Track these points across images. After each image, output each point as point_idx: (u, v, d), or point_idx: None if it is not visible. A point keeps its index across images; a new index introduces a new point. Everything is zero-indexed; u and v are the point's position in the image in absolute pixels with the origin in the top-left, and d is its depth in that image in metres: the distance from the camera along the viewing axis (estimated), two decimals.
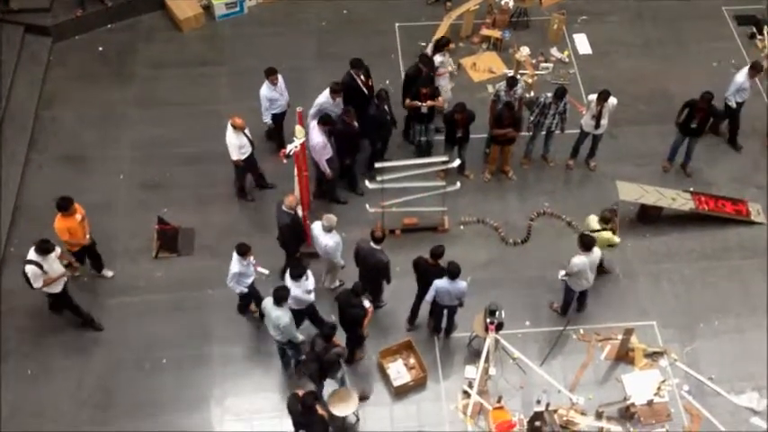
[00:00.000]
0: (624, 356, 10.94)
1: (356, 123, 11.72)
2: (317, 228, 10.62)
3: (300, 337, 10.09)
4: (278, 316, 9.55)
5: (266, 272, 10.75)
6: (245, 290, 10.50)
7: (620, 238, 10.97)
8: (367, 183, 11.58)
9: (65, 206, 10.45)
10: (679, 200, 12.16)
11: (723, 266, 11.43)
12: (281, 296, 9.50)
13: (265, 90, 12.04)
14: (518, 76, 13.25)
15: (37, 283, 10.12)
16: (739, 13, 15.36)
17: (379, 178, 11.31)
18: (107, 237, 11.93)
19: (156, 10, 14.96)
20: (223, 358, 10.91)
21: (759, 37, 14.89)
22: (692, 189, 12.51)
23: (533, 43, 14.61)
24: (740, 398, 10.69)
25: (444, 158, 11.55)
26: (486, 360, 10.29)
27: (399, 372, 10.66)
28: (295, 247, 11.03)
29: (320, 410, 9.21)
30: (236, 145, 11.50)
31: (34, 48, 14.00)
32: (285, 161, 10.97)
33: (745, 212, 12.27)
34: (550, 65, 14.41)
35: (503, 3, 14.90)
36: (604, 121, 12.24)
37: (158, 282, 11.54)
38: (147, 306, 11.28)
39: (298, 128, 10.96)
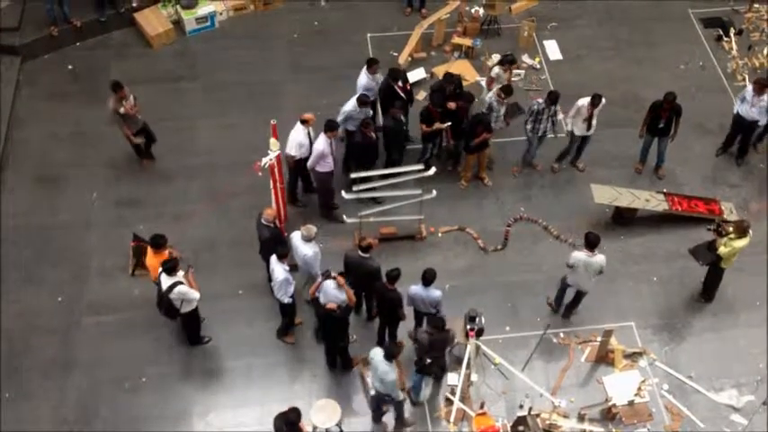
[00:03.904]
0: (604, 358, 11.00)
1: (374, 135, 11.79)
2: (296, 237, 10.60)
3: (401, 396, 10.00)
4: (386, 371, 9.43)
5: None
6: (291, 300, 10.38)
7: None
8: (343, 193, 11.58)
9: (160, 243, 10.33)
10: (653, 201, 12.29)
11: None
12: (392, 352, 9.38)
13: (364, 79, 12.24)
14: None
15: (194, 294, 10.08)
16: (705, 15, 15.59)
17: (355, 188, 11.33)
18: (82, 255, 11.84)
19: (126, 27, 14.90)
20: (204, 374, 10.84)
21: (726, 39, 15.11)
22: (665, 190, 12.64)
23: (504, 50, 14.71)
24: (720, 395, 10.79)
25: (420, 167, 11.60)
26: (468, 366, 10.30)
27: None
28: None
29: (304, 429, 9.18)
30: (299, 142, 11.47)
31: (3, 68, 13.87)
32: (260, 173, 10.96)
33: (717, 211, 12.41)
34: (522, 71, 14.52)
35: (473, 11, 15.03)
36: (594, 122, 12.41)
37: (136, 299, 11.43)
38: (125, 324, 11.18)
39: (272, 140, 10.95)
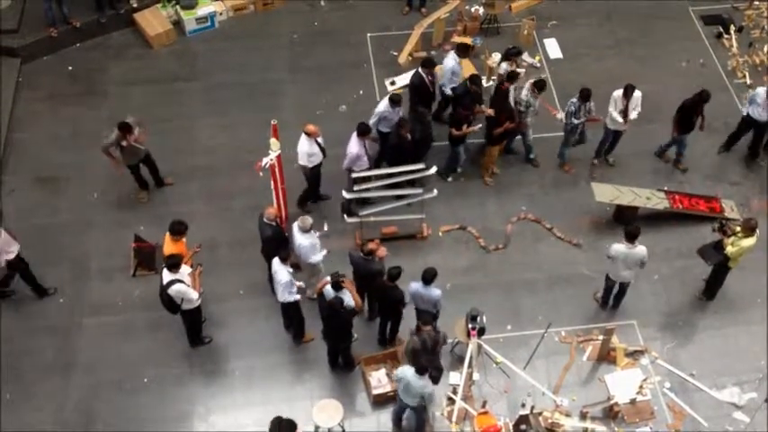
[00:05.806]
0: (606, 356, 10.99)
1: (409, 136, 11.78)
2: (294, 228, 10.69)
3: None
4: (422, 385, 9.38)
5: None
6: (299, 296, 10.41)
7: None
8: (344, 193, 11.56)
9: (180, 230, 10.39)
10: (654, 199, 12.28)
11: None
12: (424, 367, 9.35)
13: (452, 62, 12.61)
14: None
15: (193, 295, 10.06)
16: (705, 13, 15.59)
17: (356, 188, 11.32)
18: (83, 256, 11.82)
19: (126, 27, 14.89)
20: (205, 374, 10.83)
21: (726, 36, 15.10)
22: (666, 188, 12.63)
23: (504, 49, 14.68)
24: (722, 393, 10.77)
25: (420, 166, 11.59)
26: (470, 365, 10.29)
27: (381, 381, 10.61)
28: None
29: None
30: (307, 153, 11.49)
31: (3, 69, 13.85)
32: (261, 174, 10.94)
33: (718, 209, 12.40)
34: (522, 70, 14.47)
35: (473, 10, 15.02)
36: (633, 115, 12.34)
37: (136, 300, 11.43)
38: (125, 325, 11.17)
39: (272, 140, 10.93)
